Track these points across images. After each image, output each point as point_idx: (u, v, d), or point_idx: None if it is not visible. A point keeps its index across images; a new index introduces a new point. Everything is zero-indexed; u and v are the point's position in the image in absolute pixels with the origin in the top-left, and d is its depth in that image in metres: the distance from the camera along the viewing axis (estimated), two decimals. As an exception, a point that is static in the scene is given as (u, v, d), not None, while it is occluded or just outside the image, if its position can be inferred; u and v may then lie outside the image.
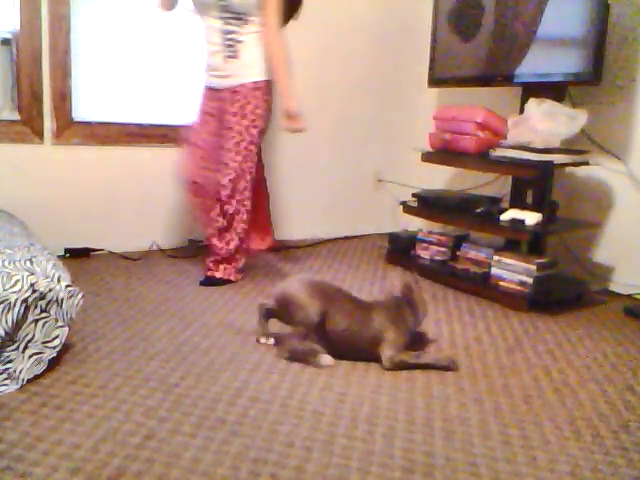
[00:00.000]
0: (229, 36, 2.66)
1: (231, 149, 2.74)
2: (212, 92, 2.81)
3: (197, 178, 2.85)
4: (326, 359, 2.00)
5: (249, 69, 2.72)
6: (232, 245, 2.83)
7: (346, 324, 2.01)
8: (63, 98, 3.10)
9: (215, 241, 2.83)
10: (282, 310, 2.07)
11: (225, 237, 2.81)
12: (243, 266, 2.92)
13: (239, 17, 2.62)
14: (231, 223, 2.80)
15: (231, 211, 2.78)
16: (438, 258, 3.18)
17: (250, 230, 3.51)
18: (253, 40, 2.69)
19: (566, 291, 2.83)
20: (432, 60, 3.36)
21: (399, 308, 2.09)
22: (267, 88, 2.76)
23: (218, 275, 2.85)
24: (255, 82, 2.73)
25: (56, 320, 1.84)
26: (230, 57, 2.68)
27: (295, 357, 2.01)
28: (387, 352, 1.99)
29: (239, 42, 2.66)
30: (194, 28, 3.36)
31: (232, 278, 2.86)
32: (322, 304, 2.00)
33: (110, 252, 3.25)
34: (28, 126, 3.05)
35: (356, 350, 2.02)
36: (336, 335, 2.01)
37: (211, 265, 2.87)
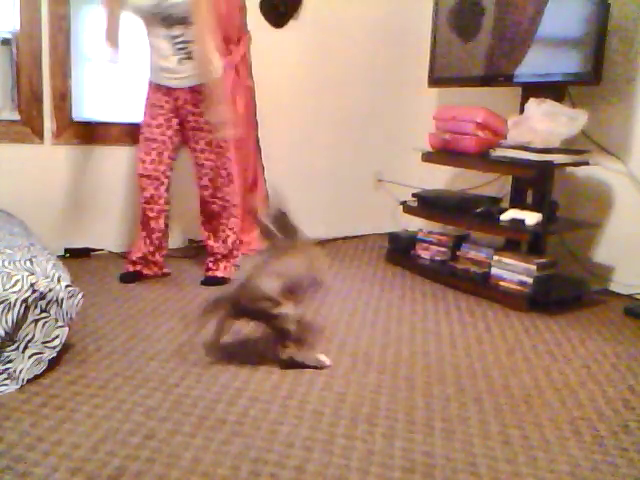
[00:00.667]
0: (178, 39, 2.62)
1: (204, 149, 2.74)
2: (165, 89, 2.71)
3: (150, 172, 2.75)
4: (324, 358, 2.00)
5: None
6: (229, 241, 2.88)
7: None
8: (63, 98, 3.10)
9: (211, 242, 2.89)
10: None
11: (220, 236, 2.87)
12: (239, 262, 2.96)
13: (182, 21, 2.59)
14: (219, 220, 2.85)
15: (217, 209, 2.83)
16: (438, 258, 3.18)
17: (250, 230, 3.52)
18: None
19: (566, 291, 2.83)
20: (432, 60, 3.36)
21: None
22: None
23: (220, 274, 2.87)
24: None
25: (56, 320, 1.84)
26: (184, 59, 2.63)
27: (293, 364, 1.97)
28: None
29: (189, 42, 2.62)
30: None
31: (233, 277, 2.87)
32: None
33: (110, 252, 3.25)
34: (28, 126, 3.05)
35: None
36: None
37: (211, 265, 2.90)
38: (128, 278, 2.81)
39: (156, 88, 2.72)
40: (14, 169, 3.04)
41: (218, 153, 2.76)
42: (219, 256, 2.88)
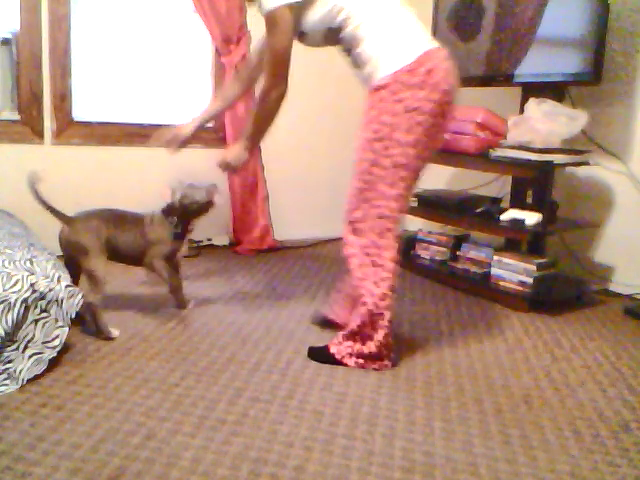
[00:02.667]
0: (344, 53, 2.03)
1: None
2: None
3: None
4: (114, 332, 2.15)
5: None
6: (356, 313, 1.99)
7: (124, 241, 2.24)
8: (63, 98, 3.10)
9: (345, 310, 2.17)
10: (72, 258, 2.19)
11: (355, 306, 2.02)
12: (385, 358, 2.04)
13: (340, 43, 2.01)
14: (354, 281, 1.98)
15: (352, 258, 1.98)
16: (438, 258, 3.18)
17: (250, 230, 3.52)
18: (357, 42, 1.91)
19: (566, 291, 2.83)
20: (432, 60, 3.36)
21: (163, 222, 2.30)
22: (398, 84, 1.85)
23: (333, 351, 2.03)
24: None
25: (56, 320, 1.84)
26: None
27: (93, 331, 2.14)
28: (149, 257, 2.27)
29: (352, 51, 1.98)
30: (193, 28, 3.37)
31: (350, 362, 2.01)
32: (104, 234, 2.19)
33: (110, 252, 3.25)
34: (28, 126, 3.05)
35: (134, 259, 2.29)
36: (119, 251, 2.24)
37: (339, 338, 2.04)
38: None
39: None
40: (14, 169, 3.04)
41: (369, 182, 1.91)
42: (351, 329, 2.01)
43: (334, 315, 2.30)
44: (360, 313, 1.96)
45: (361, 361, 1.99)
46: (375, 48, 1.87)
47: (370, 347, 1.97)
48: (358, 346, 1.99)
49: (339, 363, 2.00)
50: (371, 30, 1.87)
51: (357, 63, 1.96)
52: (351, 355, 2.00)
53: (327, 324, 2.32)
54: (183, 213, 2.31)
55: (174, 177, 2.33)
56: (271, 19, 1.86)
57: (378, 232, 1.91)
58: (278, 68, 1.92)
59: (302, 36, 1.99)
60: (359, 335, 1.98)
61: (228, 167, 2.13)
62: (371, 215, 1.91)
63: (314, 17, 1.90)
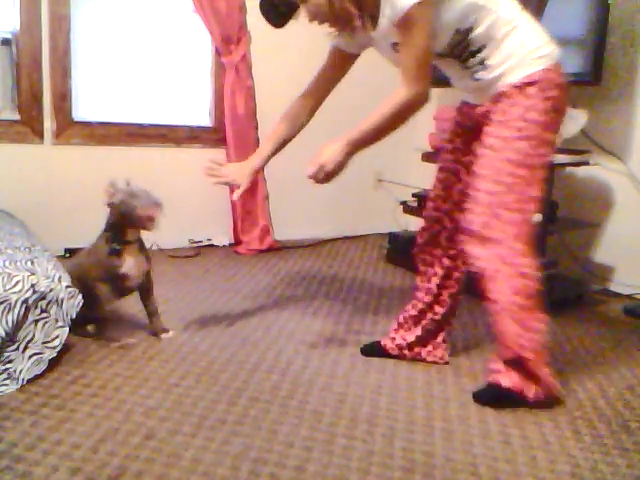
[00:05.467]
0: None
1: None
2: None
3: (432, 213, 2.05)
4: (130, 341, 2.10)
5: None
6: (508, 336, 1.76)
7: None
8: (63, 98, 3.10)
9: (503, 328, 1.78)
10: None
11: (496, 323, 1.79)
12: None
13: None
14: (495, 297, 1.77)
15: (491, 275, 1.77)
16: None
17: (250, 230, 3.52)
18: (490, 40, 1.75)
19: (566, 291, 2.83)
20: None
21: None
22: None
23: (506, 384, 1.79)
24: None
25: (56, 320, 1.84)
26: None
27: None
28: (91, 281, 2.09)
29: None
30: (193, 28, 3.37)
31: (530, 395, 1.78)
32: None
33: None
34: (28, 126, 3.05)
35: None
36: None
37: (499, 366, 1.82)
38: None
39: None
40: (14, 169, 3.04)
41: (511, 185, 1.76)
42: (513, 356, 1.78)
43: (389, 340, 2.10)
44: (513, 334, 1.74)
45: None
46: (518, 44, 1.72)
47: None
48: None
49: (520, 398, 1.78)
50: (512, 27, 1.72)
51: (478, 66, 1.78)
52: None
53: (376, 352, 2.11)
54: (119, 222, 2.06)
55: (125, 178, 2.08)
56: (410, 18, 1.66)
57: (519, 239, 1.72)
58: (422, 70, 1.76)
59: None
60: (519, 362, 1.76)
61: (322, 175, 1.87)
62: (509, 221, 1.71)
63: (447, 15, 1.70)
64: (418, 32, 1.69)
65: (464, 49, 1.78)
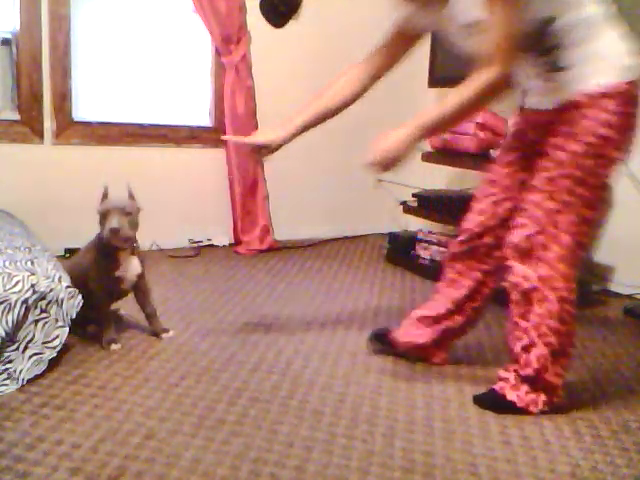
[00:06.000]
0: None
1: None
2: None
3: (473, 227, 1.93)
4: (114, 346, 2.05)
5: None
6: (533, 355, 1.69)
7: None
8: (63, 98, 3.10)
9: (517, 349, 1.73)
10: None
11: (521, 339, 1.71)
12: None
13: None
14: (527, 315, 1.69)
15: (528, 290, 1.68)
16: (438, 258, 3.18)
17: (250, 230, 3.52)
18: (574, 36, 1.62)
19: (566, 291, 2.83)
20: (432, 60, 3.36)
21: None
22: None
23: (511, 398, 1.74)
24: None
25: (56, 320, 1.84)
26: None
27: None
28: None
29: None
30: (193, 28, 3.37)
31: (533, 409, 1.74)
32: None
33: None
34: (28, 126, 3.05)
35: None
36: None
37: (507, 376, 1.77)
38: None
39: None
40: (14, 169, 3.04)
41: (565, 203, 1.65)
42: (527, 374, 1.72)
43: (400, 334, 2.06)
44: (538, 354, 1.68)
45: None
46: (599, 49, 1.58)
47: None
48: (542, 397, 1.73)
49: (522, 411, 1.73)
50: (596, 29, 1.58)
51: (552, 65, 1.64)
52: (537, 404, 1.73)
53: (384, 342, 2.10)
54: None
55: (124, 182, 2.07)
56: None
57: (565, 261, 1.64)
58: (510, 51, 1.57)
59: None
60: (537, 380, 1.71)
61: (386, 162, 1.68)
62: (558, 241, 1.63)
63: (533, 3, 1.57)
64: (511, 8, 1.53)
65: (541, 43, 1.63)
